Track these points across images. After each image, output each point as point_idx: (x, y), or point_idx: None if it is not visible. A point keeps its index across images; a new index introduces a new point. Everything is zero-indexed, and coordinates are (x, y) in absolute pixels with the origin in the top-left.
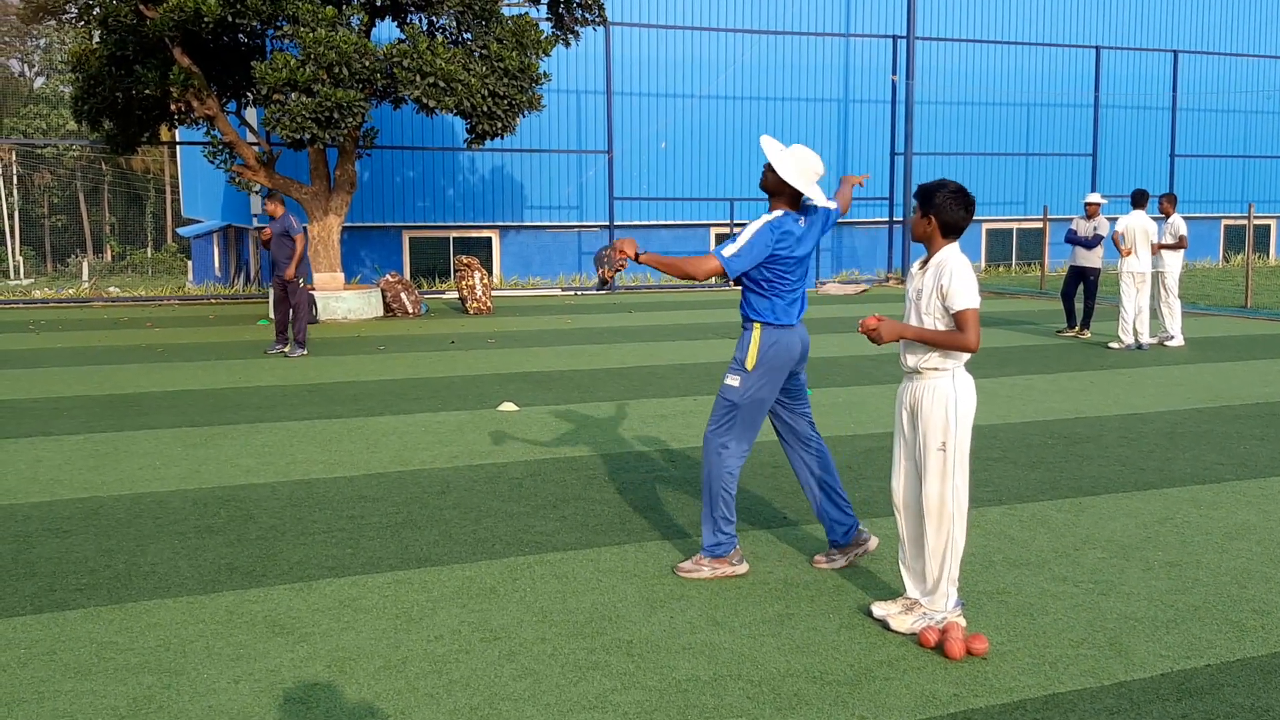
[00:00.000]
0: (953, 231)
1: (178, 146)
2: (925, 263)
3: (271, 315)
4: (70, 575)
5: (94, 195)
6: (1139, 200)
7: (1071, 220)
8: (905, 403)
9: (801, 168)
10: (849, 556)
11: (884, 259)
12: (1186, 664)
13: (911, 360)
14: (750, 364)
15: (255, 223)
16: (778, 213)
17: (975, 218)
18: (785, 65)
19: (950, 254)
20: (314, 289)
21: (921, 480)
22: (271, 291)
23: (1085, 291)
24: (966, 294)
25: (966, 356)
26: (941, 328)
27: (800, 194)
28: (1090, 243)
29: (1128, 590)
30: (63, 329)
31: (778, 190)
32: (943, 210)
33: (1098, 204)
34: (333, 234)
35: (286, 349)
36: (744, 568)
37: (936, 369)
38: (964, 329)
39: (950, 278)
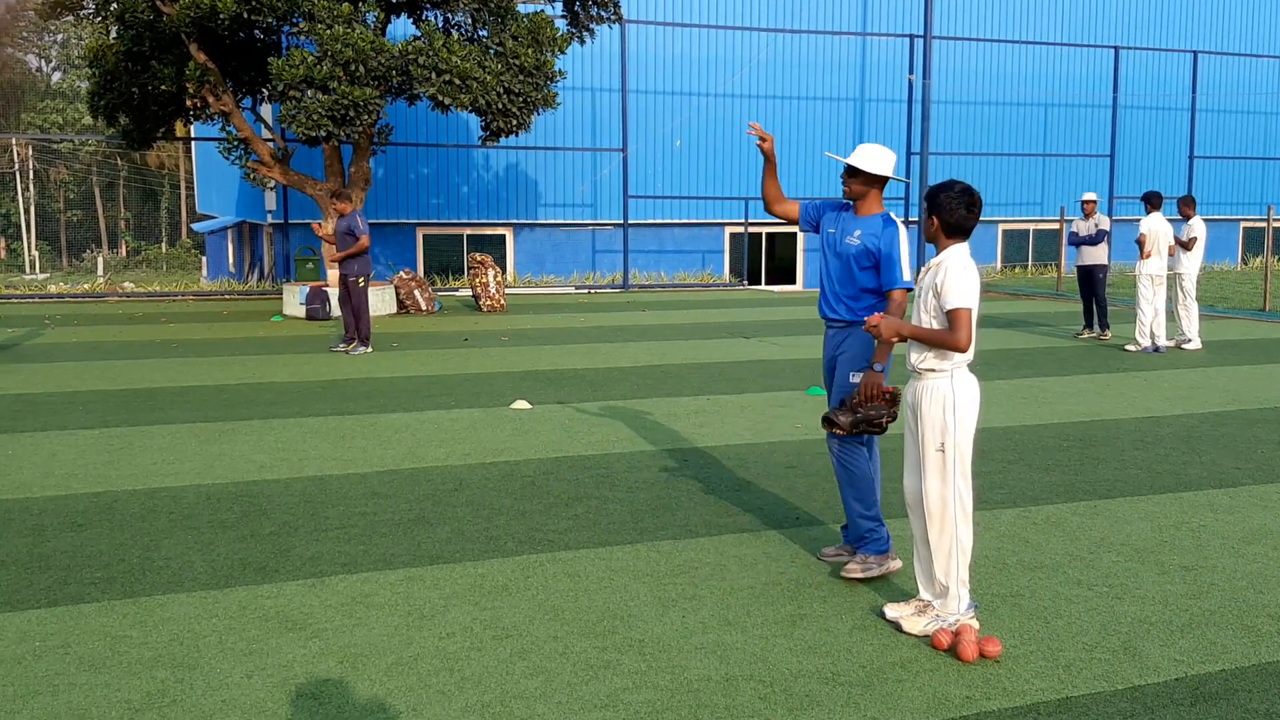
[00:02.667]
0: (957, 232)
1: (193, 142)
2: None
3: (338, 313)
4: (84, 569)
5: (109, 190)
6: (1157, 202)
7: (1073, 222)
8: (909, 402)
9: (883, 161)
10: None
11: None
12: (1201, 669)
13: (913, 360)
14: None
15: (269, 219)
16: (893, 214)
17: (992, 219)
18: (801, 64)
19: (951, 254)
20: (374, 284)
21: (922, 481)
22: (337, 290)
23: (1095, 290)
24: (960, 293)
25: (962, 357)
26: (938, 326)
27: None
28: (1094, 239)
29: (1142, 594)
30: (78, 324)
31: (867, 189)
32: (944, 209)
33: (1095, 201)
34: None
35: (349, 348)
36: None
37: (934, 369)
38: (954, 328)
39: (945, 276)
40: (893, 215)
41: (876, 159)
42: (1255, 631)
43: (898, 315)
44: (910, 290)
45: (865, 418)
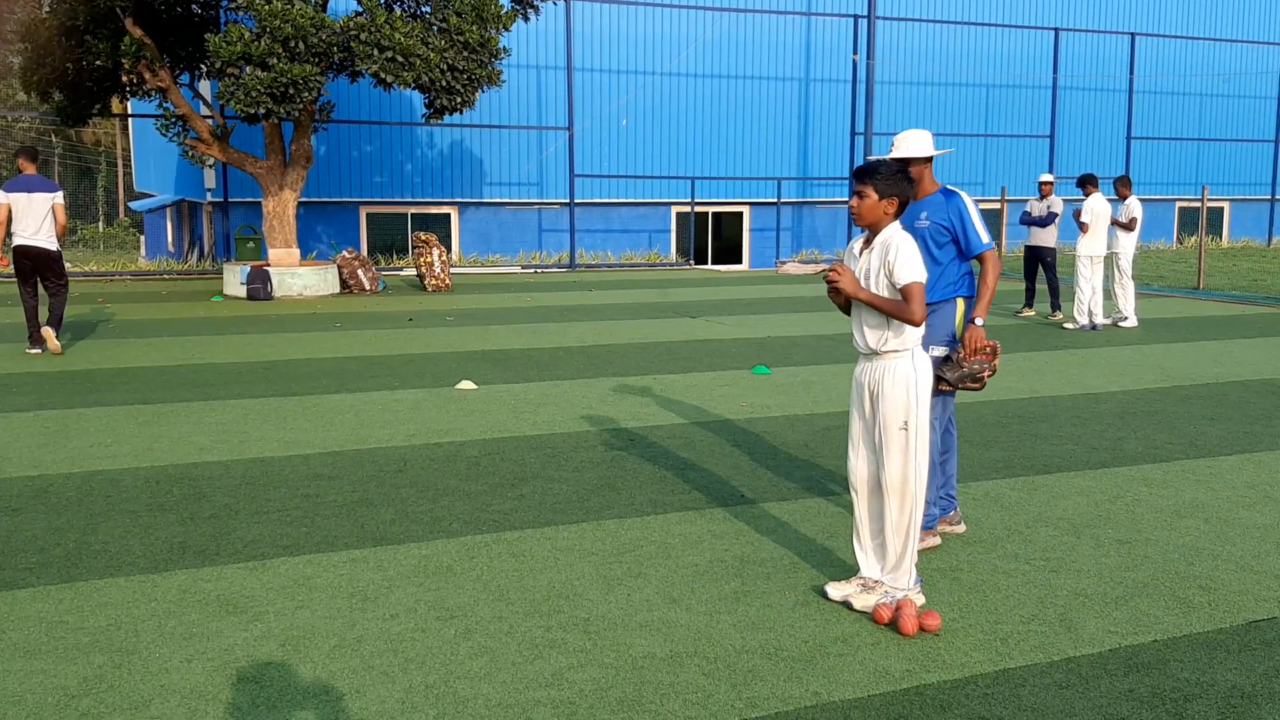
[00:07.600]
0: (905, 206)
1: (130, 119)
2: (869, 242)
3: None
4: (19, 554)
5: (44, 168)
6: (1095, 183)
7: (1028, 202)
8: (865, 384)
9: (924, 143)
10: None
11: (843, 238)
12: (1134, 639)
13: (871, 342)
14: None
15: (209, 197)
16: (949, 186)
17: None
18: (747, 43)
19: (896, 232)
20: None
21: (884, 460)
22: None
23: (1044, 271)
24: (913, 269)
25: (915, 332)
26: None
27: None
28: (1044, 221)
29: (1078, 567)
30: (11, 304)
31: (920, 173)
32: (894, 187)
33: (1051, 183)
34: (288, 209)
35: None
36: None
37: (895, 350)
38: (908, 301)
39: (897, 254)
40: (949, 187)
41: (918, 143)
42: (1187, 603)
43: (994, 274)
44: (992, 249)
45: (970, 373)
